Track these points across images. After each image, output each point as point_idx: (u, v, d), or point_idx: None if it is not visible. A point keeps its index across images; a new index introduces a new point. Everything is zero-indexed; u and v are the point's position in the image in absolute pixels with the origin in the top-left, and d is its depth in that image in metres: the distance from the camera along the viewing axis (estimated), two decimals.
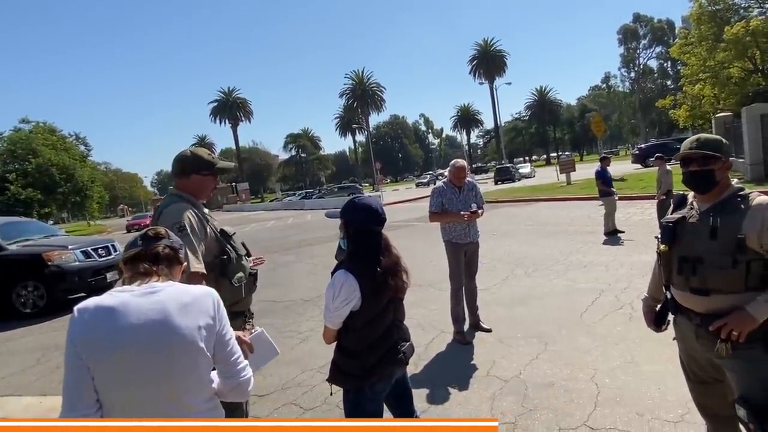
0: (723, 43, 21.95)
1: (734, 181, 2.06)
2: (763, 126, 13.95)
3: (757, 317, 1.82)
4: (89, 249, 8.70)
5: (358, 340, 2.04)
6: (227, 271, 2.35)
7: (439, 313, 5.30)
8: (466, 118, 79.44)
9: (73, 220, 62.00)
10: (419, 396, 3.37)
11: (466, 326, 4.77)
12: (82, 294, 8.13)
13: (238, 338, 1.78)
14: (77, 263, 8.28)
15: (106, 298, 1.42)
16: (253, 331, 2.10)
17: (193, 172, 2.44)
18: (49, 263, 8.00)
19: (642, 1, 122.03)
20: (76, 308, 1.40)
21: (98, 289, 7.89)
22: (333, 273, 2.06)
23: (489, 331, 4.74)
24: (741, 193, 1.97)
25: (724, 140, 2.06)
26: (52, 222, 36.96)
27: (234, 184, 67.94)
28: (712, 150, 1.97)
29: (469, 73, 67.04)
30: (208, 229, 2.36)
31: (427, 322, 5.19)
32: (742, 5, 23.95)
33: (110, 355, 1.36)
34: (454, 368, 4.03)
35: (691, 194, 2.13)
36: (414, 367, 3.97)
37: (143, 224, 32.73)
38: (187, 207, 2.32)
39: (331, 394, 2.19)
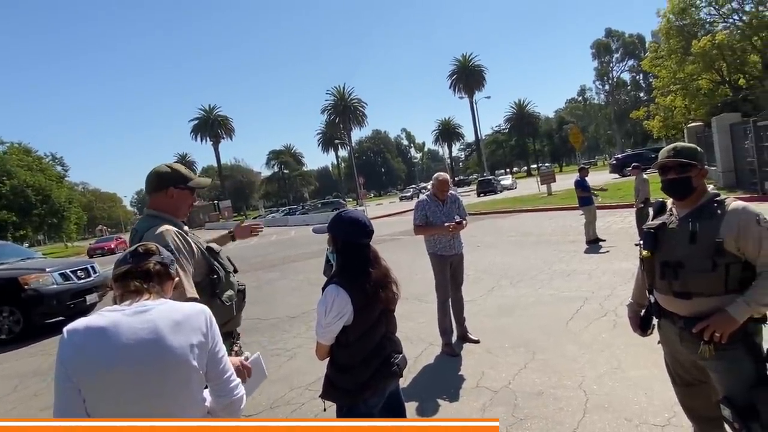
0: (691, 57, 22.82)
1: (710, 188, 2.14)
2: (733, 135, 14.43)
3: (737, 318, 1.88)
4: (68, 271, 8.46)
5: (351, 355, 2.03)
6: (217, 290, 2.27)
7: (427, 325, 5.30)
8: (448, 132, 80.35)
9: (49, 242, 60.45)
10: (410, 409, 3.36)
11: (453, 338, 4.78)
12: (61, 318, 7.90)
13: (240, 364, 1.75)
14: (55, 286, 8.05)
15: (96, 319, 1.40)
16: (249, 355, 2.03)
17: (171, 185, 2.32)
18: (26, 287, 7.75)
19: (613, 16, 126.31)
20: (65, 330, 1.38)
21: (78, 313, 7.67)
22: (324, 288, 2.05)
23: (477, 342, 4.76)
24: (717, 198, 2.05)
25: (699, 148, 2.15)
26: (27, 245, 36.01)
27: (216, 201, 67.29)
28: (689, 158, 2.05)
29: (449, 87, 68.07)
30: (194, 248, 2.25)
31: (415, 335, 5.18)
32: (708, 20, 24.95)
33: (102, 376, 1.34)
34: (444, 380, 4.03)
35: (670, 201, 2.20)
36: (403, 380, 3.93)
37: (107, 248, 31.84)
38: (170, 227, 2.20)
39: (324, 409, 2.18)
